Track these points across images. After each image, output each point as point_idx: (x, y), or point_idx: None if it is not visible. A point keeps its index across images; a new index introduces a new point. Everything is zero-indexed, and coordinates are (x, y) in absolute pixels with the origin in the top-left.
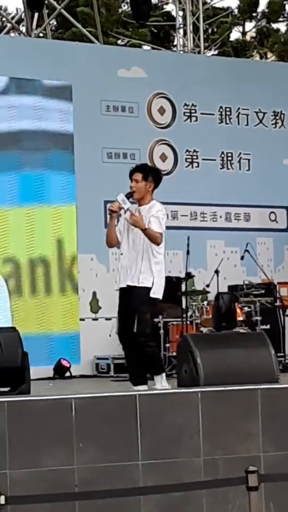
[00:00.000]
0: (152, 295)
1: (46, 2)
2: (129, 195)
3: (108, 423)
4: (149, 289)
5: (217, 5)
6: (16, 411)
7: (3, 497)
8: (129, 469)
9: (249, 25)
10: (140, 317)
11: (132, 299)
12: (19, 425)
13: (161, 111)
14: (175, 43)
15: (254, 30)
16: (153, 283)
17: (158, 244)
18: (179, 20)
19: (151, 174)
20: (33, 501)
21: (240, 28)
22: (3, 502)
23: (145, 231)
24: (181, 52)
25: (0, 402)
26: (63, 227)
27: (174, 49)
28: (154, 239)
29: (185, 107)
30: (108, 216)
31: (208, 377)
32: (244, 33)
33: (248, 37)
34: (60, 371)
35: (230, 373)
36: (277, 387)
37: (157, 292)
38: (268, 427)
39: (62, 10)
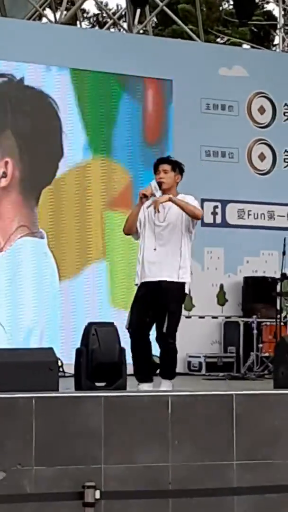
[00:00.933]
0: (187, 290)
1: None
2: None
3: (204, 421)
4: (185, 284)
5: None
6: (112, 406)
7: (98, 492)
8: (223, 468)
9: None
10: (172, 318)
11: (168, 296)
12: (115, 420)
13: (261, 110)
14: (275, 42)
15: None
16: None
17: (199, 216)
18: (281, 19)
19: (177, 167)
20: (127, 497)
21: None
22: (98, 496)
23: (182, 204)
24: (282, 51)
25: (97, 397)
26: None
27: (274, 48)
28: (193, 210)
29: (286, 107)
30: (138, 201)
31: None
32: None
33: None
34: (152, 368)
35: None
36: None
37: (188, 286)
38: None
39: (164, 7)
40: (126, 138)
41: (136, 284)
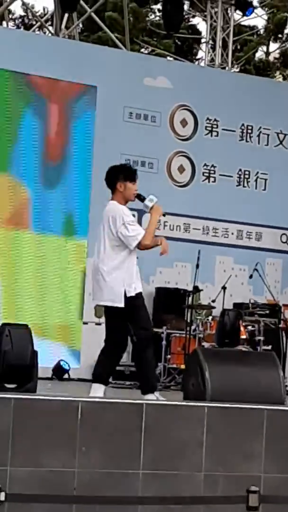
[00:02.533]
0: None
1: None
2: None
3: (112, 429)
4: None
5: (243, 23)
6: (22, 408)
7: (2, 494)
8: (129, 477)
9: (273, 46)
10: None
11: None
12: (23, 423)
13: (183, 123)
14: (197, 56)
15: (278, 51)
16: None
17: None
18: (208, 34)
19: None
20: (31, 500)
21: (264, 48)
22: (3, 498)
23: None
24: (207, 66)
25: (7, 398)
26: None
27: (197, 62)
28: None
29: (208, 121)
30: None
31: (215, 393)
32: (268, 53)
33: (271, 58)
34: (59, 373)
35: (237, 390)
36: (283, 409)
37: None
38: (271, 448)
39: (92, 14)
40: (25, 153)
41: (131, 296)
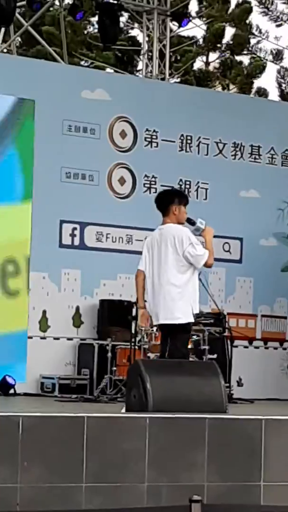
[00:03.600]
0: None
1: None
2: None
3: (54, 443)
4: None
5: (182, 34)
6: None
7: None
8: (73, 491)
9: (212, 56)
10: None
11: None
12: None
13: (123, 134)
14: (138, 68)
15: (217, 61)
16: None
17: None
18: (145, 46)
19: None
20: None
21: (204, 58)
22: None
23: None
24: (145, 77)
25: None
26: (15, 245)
27: (137, 74)
28: None
29: (147, 132)
30: None
31: (157, 403)
32: (207, 63)
33: (211, 68)
34: (4, 388)
35: (179, 400)
36: (225, 417)
37: None
38: (213, 457)
39: (29, 27)
40: None
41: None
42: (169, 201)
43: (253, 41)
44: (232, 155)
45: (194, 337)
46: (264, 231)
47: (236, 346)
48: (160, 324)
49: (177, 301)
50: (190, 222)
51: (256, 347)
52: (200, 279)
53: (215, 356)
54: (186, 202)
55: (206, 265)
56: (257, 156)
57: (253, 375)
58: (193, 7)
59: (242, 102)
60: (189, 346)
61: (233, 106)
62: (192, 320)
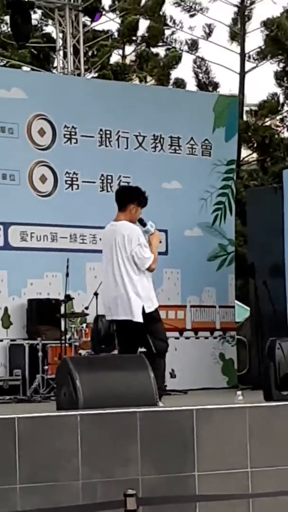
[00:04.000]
0: None
1: None
2: None
3: None
4: None
5: (96, 28)
6: None
7: None
8: (7, 492)
9: (128, 49)
10: None
11: None
12: None
13: (41, 132)
14: (55, 64)
15: (133, 54)
16: None
17: None
18: (59, 42)
19: None
20: None
21: (120, 52)
22: None
23: None
24: (61, 74)
25: None
26: None
27: (54, 71)
28: None
29: (66, 129)
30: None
31: (88, 400)
32: (124, 57)
33: (128, 61)
34: None
35: (110, 396)
36: (156, 409)
37: None
38: (147, 450)
39: None
40: None
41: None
42: (131, 199)
43: (167, 32)
44: (152, 148)
45: None
46: (188, 221)
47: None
48: (115, 320)
49: (130, 299)
50: (142, 223)
51: (187, 338)
52: None
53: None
54: (145, 205)
55: (149, 269)
56: (177, 147)
57: (186, 366)
58: (106, 1)
59: (159, 93)
60: None
61: (151, 98)
62: (141, 320)
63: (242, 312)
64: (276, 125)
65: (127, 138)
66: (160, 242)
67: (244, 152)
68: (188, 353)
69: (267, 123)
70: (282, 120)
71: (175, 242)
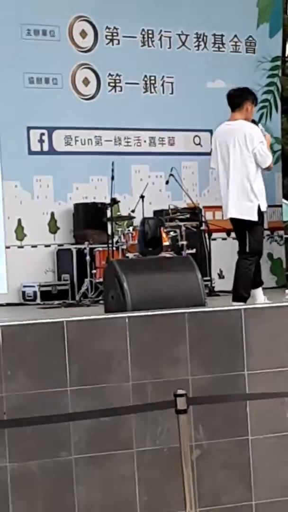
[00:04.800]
0: None
1: None
2: None
3: (36, 350)
4: None
5: None
6: None
7: None
8: (58, 395)
9: None
10: None
11: None
12: None
13: (83, 34)
14: None
15: None
16: None
17: None
18: None
19: None
20: None
21: None
22: None
23: None
24: None
25: None
26: None
27: None
28: None
29: (107, 30)
30: None
31: (135, 303)
32: None
33: None
34: None
35: (157, 298)
36: (204, 310)
37: None
38: (195, 351)
39: None
40: None
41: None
42: (246, 97)
43: None
44: (195, 46)
45: (171, 233)
46: None
47: (215, 239)
48: (232, 218)
49: (250, 196)
50: (254, 123)
51: (234, 238)
52: (172, 175)
53: (194, 251)
54: (256, 103)
55: (269, 167)
56: (220, 45)
57: (234, 267)
58: None
59: None
60: (166, 243)
61: None
62: (256, 218)
63: None
64: None
65: (169, 37)
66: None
67: None
68: (236, 254)
69: None
70: None
71: None
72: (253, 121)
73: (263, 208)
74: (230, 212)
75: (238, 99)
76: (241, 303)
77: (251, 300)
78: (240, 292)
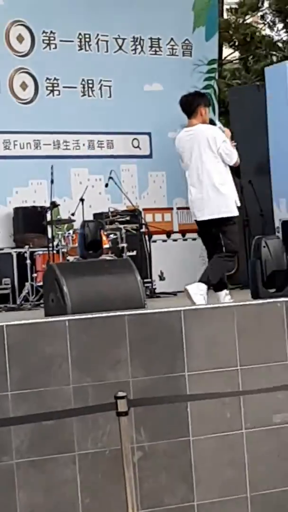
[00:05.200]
0: None
1: None
2: None
3: None
4: None
5: None
6: None
7: None
8: None
9: None
10: None
11: None
12: None
13: (20, 38)
14: None
15: None
16: None
17: None
18: None
19: None
20: None
21: None
22: None
23: None
24: None
25: None
26: None
27: None
28: None
29: (44, 34)
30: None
31: (75, 306)
32: None
33: None
34: None
35: (97, 300)
36: (144, 312)
37: None
38: (136, 352)
39: None
40: None
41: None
42: (198, 102)
43: None
44: (132, 50)
45: (112, 236)
46: (171, 123)
47: (155, 241)
48: (204, 221)
49: (225, 194)
50: (212, 123)
51: (175, 240)
52: (111, 178)
53: (134, 253)
54: (209, 104)
55: (236, 163)
56: (157, 49)
57: (174, 268)
58: None
59: None
60: (107, 246)
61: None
62: (237, 213)
63: None
64: (256, 22)
65: (106, 41)
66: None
67: (226, 51)
68: (176, 255)
69: (248, 21)
70: (262, 17)
71: (159, 145)
72: (211, 122)
73: (238, 203)
74: (203, 214)
75: (190, 106)
76: (225, 291)
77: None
78: (220, 280)
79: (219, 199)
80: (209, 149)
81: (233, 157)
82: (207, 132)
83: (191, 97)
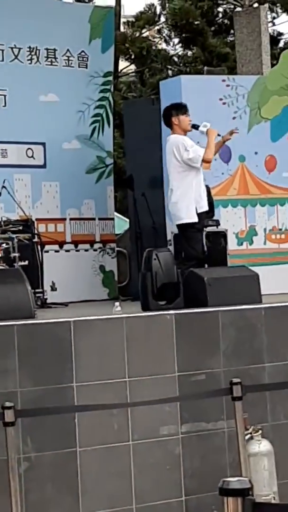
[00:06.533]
0: None
1: None
2: None
3: None
4: None
5: None
6: None
7: None
8: None
9: None
10: None
11: None
12: None
13: None
14: None
15: None
16: None
17: None
18: None
19: None
20: None
21: None
22: None
23: None
24: None
25: None
26: None
27: None
28: None
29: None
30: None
31: None
32: None
33: None
34: None
35: None
36: (33, 322)
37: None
38: (24, 363)
39: None
40: None
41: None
42: (169, 115)
43: None
44: (28, 60)
45: (4, 245)
46: (66, 134)
47: (47, 251)
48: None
49: (178, 202)
50: (195, 127)
51: (67, 251)
52: (4, 187)
53: (26, 262)
54: (184, 111)
55: (205, 160)
56: (53, 59)
57: (66, 279)
58: None
59: (34, 4)
60: None
61: (25, 9)
62: (196, 219)
63: (121, 224)
64: (153, 36)
65: (2, 50)
66: (219, 135)
67: (123, 64)
68: (69, 266)
69: (145, 34)
70: (159, 31)
71: (53, 155)
72: (193, 126)
73: (200, 209)
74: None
75: (166, 120)
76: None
77: None
78: None
79: (174, 207)
80: (176, 160)
81: (198, 160)
82: (171, 146)
83: (165, 111)
